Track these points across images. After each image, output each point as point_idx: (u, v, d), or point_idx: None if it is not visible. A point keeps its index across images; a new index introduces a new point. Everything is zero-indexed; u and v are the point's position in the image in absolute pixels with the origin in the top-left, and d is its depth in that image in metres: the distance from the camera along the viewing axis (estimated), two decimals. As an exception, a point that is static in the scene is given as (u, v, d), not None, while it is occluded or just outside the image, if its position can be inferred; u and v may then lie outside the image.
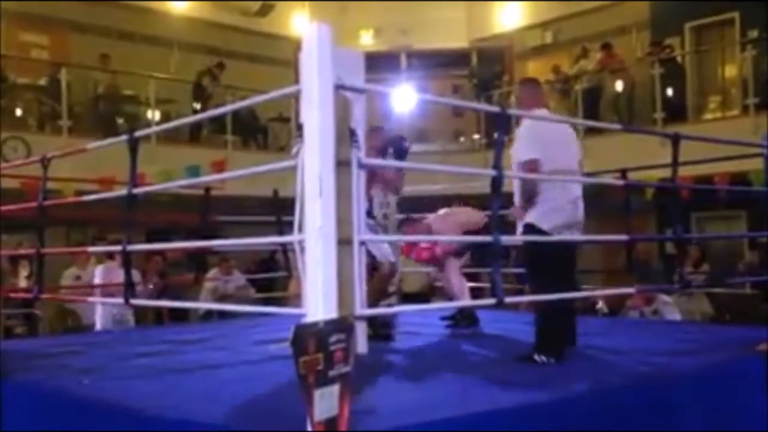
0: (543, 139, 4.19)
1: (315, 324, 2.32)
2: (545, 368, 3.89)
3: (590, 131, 11.07)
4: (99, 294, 7.21)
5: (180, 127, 10.92)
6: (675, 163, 4.43)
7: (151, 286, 7.75)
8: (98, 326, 7.26)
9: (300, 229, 2.54)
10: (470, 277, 6.78)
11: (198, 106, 12.04)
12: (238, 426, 2.66)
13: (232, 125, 11.93)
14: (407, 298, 8.77)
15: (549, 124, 4.39)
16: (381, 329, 5.13)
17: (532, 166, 4.11)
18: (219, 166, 9.23)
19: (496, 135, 3.78)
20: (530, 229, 4.18)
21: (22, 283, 8.35)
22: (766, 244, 9.32)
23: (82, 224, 10.26)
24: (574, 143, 4.49)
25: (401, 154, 5.27)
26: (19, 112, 11.12)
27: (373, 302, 4.75)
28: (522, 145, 4.22)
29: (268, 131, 13.07)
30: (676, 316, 6.89)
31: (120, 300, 4.27)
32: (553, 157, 4.16)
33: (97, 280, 7.46)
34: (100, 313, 7.31)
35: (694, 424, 3.47)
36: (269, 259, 10.55)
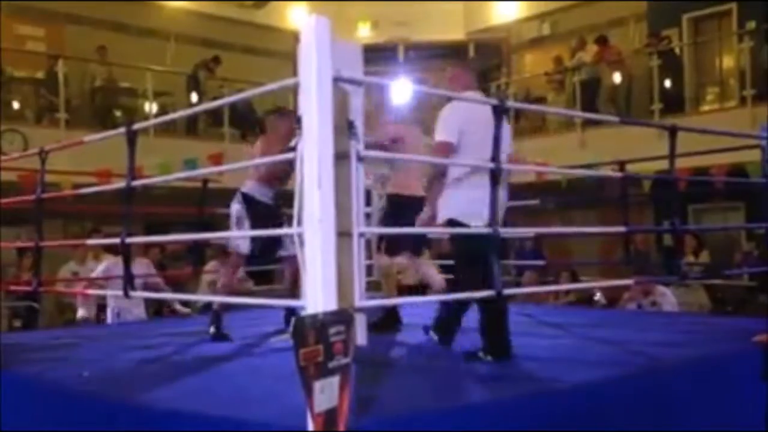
0: (460, 123, 3.96)
1: (315, 316, 2.33)
2: (541, 361, 3.90)
3: (588, 123, 11.10)
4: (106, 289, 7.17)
5: (177, 120, 10.91)
6: (672, 155, 4.44)
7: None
8: (109, 320, 7.24)
9: (299, 222, 2.55)
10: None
11: (194, 98, 12.02)
12: (238, 417, 2.67)
13: (230, 118, 11.91)
14: (404, 290, 8.75)
15: (473, 110, 4.02)
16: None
17: (442, 148, 3.95)
18: (216, 159, 9.23)
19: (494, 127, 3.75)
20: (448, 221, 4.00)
21: (27, 275, 8.34)
22: (764, 235, 9.33)
23: (80, 217, 10.26)
24: (508, 130, 4.06)
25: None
26: (16, 104, 11.11)
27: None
28: (438, 127, 4.02)
29: (265, 124, 13.04)
30: (675, 308, 6.91)
31: (120, 292, 4.27)
32: (470, 143, 3.91)
33: (104, 274, 7.40)
34: (111, 306, 7.28)
35: (692, 415, 3.49)
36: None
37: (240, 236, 5.14)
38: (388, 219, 5.41)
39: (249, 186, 5.29)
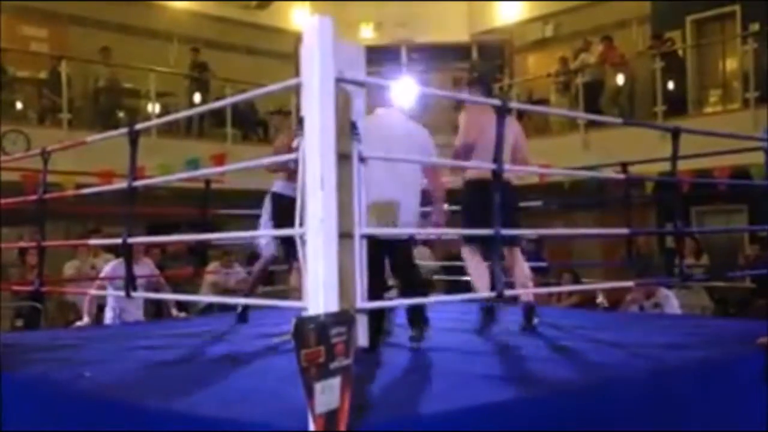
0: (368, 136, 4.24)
1: (316, 317, 2.32)
2: (543, 362, 3.89)
3: (591, 125, 11.10)
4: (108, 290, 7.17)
5: (179, 121, 10.93)
6: (675, 157, 4.43)
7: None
8: (107, 320, 7.24)
9: (301, 223, 2.54)
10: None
11: (197, 99, 12.04)
12: (239, 418, 2.67)
13: (232, 119, 11.93)
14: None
15: (383, 124, 4.41)
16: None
17: None
18: (218, 160, 9.24)
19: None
20: None
21: (32, 273, 8.35)
22: (766, 237, 9.31)
23: (82, 217, 10.27)
24: (417, 147, 4.44)
25: None
26: (19, 105, 11.14)
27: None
28: None
29: (269, 125, 13.08)
30: (677, 310, 6.89)
31: (122, 293, 4.27)
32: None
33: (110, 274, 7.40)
34: (110, 307, 7.29)
35: (695, 417, 3.48)
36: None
37: (263, 239, 5.24)
38: (472, 207, 5.06)
39: (278, 185, 5.34)
